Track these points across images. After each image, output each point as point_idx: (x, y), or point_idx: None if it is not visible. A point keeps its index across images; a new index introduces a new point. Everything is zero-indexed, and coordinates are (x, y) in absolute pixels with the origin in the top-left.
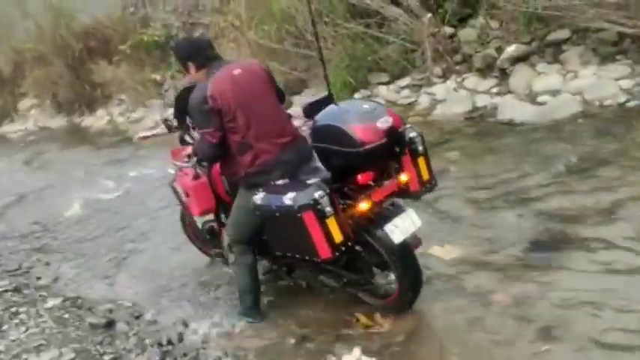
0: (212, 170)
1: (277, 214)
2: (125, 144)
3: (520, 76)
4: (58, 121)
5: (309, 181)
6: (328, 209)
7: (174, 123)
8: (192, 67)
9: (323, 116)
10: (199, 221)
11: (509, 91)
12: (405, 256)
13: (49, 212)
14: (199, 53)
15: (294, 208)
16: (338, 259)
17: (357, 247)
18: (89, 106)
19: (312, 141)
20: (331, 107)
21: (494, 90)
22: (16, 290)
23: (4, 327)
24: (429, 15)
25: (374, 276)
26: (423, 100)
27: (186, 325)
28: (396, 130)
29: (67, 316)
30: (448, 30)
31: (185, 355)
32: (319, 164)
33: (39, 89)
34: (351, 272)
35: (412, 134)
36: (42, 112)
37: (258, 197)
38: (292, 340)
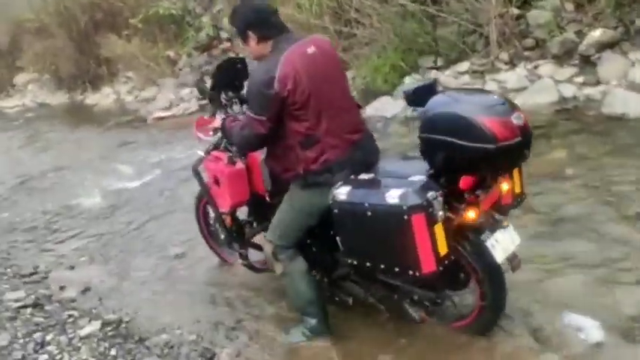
0: (250, 157)
1: (369, 214)
2: (137, 125)
3: (611, 64)
4: (59, 98)
5: (411, 178)
6: (440, 213)
7: (209, 88)
8: (252, 38)
9: (440, 104)
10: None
11: (599, 82)
12: (500, 277)
13: (62, 200)
14: (263, 21)
15: (403, 209)
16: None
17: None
18: (93, 83)
19: (423, 131)
20: (446, 95)
21: (578, 80)
22: (37, 306)
23: None
24: None
25: (450, 295)
26: (491, 88)
27: None
28: (529, 129)
29: (113, 352)
30: (514, 11)
31: None
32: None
33: (39, 63)
34: (424, 289)
35: None
36: (41, 87)
37: (342, 192)
38: None
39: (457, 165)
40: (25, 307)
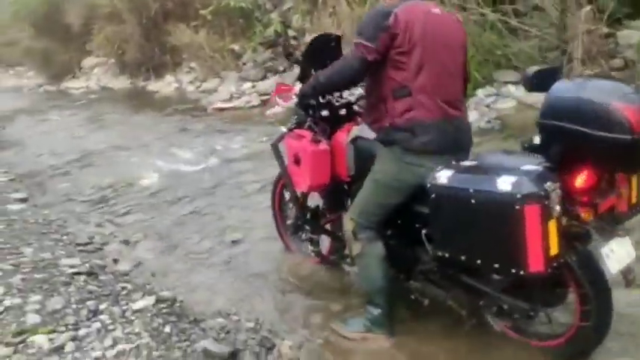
0: (334, 139)
1: (474, 202)
2: (197, 113)
3: None
4: (121, 82)
5: (524, 167)
6: (557, 208)
7: (295, 55)
8: None
9: (566, 89)
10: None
11: None
12: (609, 297)
13: (119, 177)
14: None
15: (516, 197)
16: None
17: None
18: (156, 71)
19: (544, 117)
20: (572, 81)
21: None
22: (91, 275)
23: (81, 331)
24: (588, 7)
25: (546, 308)
26: None
27: None
28: None
29: (167, 329)
30: (604, 29)
31: None
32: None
33: (107, 47)
34: (517, 298)
35: None
36: (106, 71)
37: (443, 175)
38: None
39: (579, 159)
40: (79, 274)
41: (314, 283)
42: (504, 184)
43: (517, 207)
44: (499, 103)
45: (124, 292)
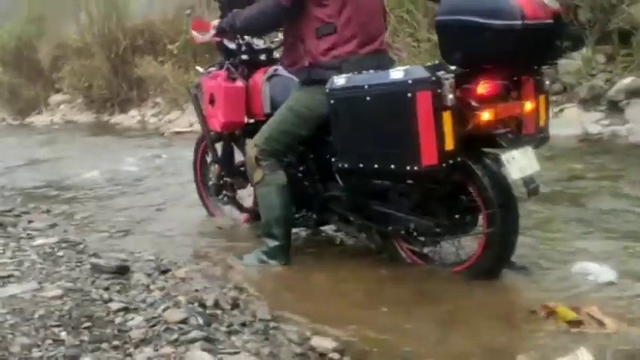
0: (252, 80)
1: (368, 99)
2: (154, 137)
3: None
4: (86, 117)
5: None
6: (450, 97)
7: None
8: None
9: None
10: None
11: (626, 124)
12: (513, 202)
13: (61, 175)
14: None
15: (407, 83)
16: (436, 176)
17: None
18: (121, 106)
19: (441, 14)
20: None
21: (605, 122)
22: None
23: None
24: None
25: (452, 226)
26: None
27: (240, 289)
28: (562, 17)
29: (60, 253)
30: None
31: (244, 325)
32: None
33: (74, 80)
34: (421, 216)
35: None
36: (72, 107)
37: (341, 77)
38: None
39: (475, 56)
40: None
41: (228, 239)
42: (397, 74)
43: (408, 94)
44: None
45: (28, 237)
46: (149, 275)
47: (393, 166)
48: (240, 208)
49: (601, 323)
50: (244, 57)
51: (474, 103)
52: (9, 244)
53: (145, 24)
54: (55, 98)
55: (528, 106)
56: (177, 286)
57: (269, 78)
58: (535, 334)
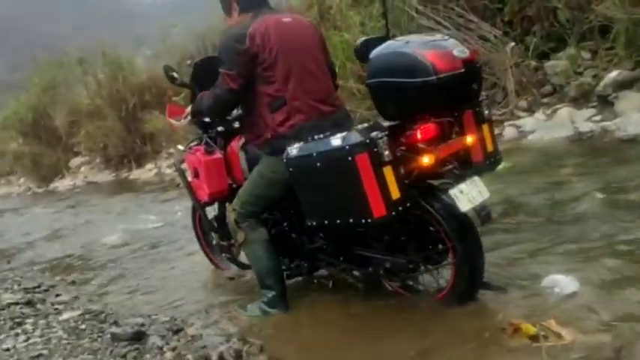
0: (229, 148)
1: (319, 164)
2: (170, 189)
3: (629, 100)
4: (105, 176)
5: (357, 128)
6: (386, 153)
7: (178, 76)
8: (235, 9)
9: (382, 49)
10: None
11: (616, 117)
12: (469, 231)
13: (83, 242)
14: None
15: (345, 149)
16: (383, 230)
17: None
18: (137, 161)
19: (369, 78)
20: (390, 41)
21: (596, 118)
22: (29, 304)
23: (0, 336)
24: (512, 44)
25: (423, 260)
26: (509, 133)
27: (244, 341)
28: (474, 62)
29: (83, 326)
30: (532, 63)
31: None
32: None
33: (90, 142)
34: (395, 255)
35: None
36: (91, 168)
37: (294, 148)
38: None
39: (406, 109)
40: (16, 304)
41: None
42: (336, 140)
43: (349, 158)
44: None
45: (55, 312)
46: (163, 337)
47: (351, 220)
48: (241, 265)
49: (559, 335)
50: (220, 128)
51: (416, 148)
52: (38, 323)
53: (150, 79)
54: (75, 161)
55: (469, 139)
56: (188, 345)
57: (242, 146)
58: (500, 352)
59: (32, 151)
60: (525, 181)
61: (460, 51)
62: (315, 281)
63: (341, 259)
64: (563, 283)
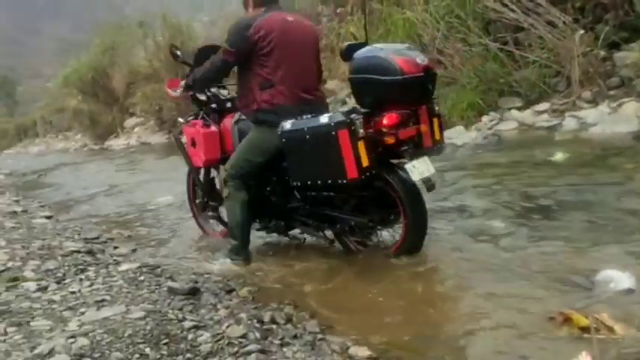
0: (221, 125)
1: (308, 137)
2: None
3: None
4: (158, 138)
5: (339, 110)
6: (361, 131)
7: (181, 54)
8: (250, 4)
9: (364, 51)
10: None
11: None
12: (418, 196)
13: (139, 200)
14: None
15: (331, 125)
16: (352, 190)
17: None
18: None
19: (351, 74)
20: (370, 47)
21: None
22: (89, 253)
23: (67, 280)
24: (581, 32)
25: (381, 220)
26: (569, 123)
27: (295, 306)
28: (432, 69)
29: (142, 278)
30: (601, 53)
31: (296, 337)
32: None
33: (146, 105)
34: (358, 215)
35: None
36: (145, 129)
37: (287, 123)
38: None
39: (378, 100)
40: (78, 252)
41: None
42: (324, 119)
43: (333, 132)
44: (501, 125)
45: (114, 262)
46: (216, 295)
47: (329, 181)
48: (222, 221)
49: (611, 329)
50: (214, 106)
51: (382, 131)
52: (100, 271)
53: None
54: (129, 122)
55: (422, 128)
56: (240, 305)
57: (237, 122)
58: (547, 339)
59: (90, 109)
60: (584, 173)
61: (421, 59)
62: (288, 239)
63: (313, 218)
64: (618, 278)
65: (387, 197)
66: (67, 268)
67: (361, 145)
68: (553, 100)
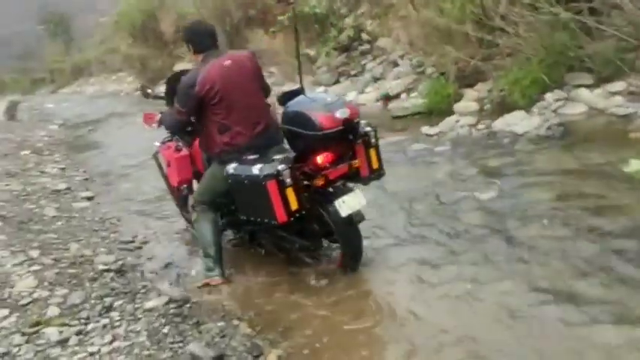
0: (194, 146)
1: (245, 182)
2: None
3: None
4: None
5: (274, 157)
6: (288, 180)
7: (151, 91)
8: (190, 49)
9: (294, 104)
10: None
11: None
12: (349, 228)
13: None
14: (198, 40)
15: (260, 177)
16: (292, 224)
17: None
18: None
19: (282, 123)
20: (301, 97)
21: None
22: (120, 272)
23: (90, 326)
24: None
25: (322, 244)
26: None
27: None
28: (352, 121)
29: (165, 330)
30: None
31: None
32: (287, 147)
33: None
34: (303, 239)
35: (367, 129)
36: None
37: (231, 167)
38: None
39: (305, 147)
40: (109, 270)
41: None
42: (256, 169)
43: (262, 183)
44: (568, 108)
45: (143, 291)
46: None
47: (265, 220)
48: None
49: None
50: (189, 129)
51: (312, 174)
52: (126, 308)
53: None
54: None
55: (356, 162)
56: None
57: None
58: None
59: (140, 53)
60: None
61: (342, 112)
62: (252, 250)
63: (268, 237)
64: None
65: (326, 225)
66: (92, 302)
67: (289, 191)
68: (629, 80)
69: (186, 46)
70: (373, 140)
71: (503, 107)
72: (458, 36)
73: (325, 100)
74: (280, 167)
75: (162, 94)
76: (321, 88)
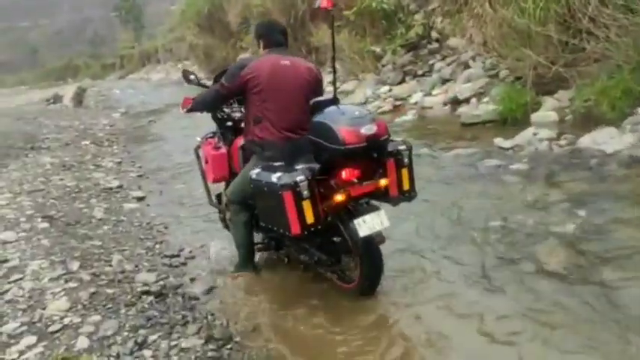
0: (233, 145)
1: (265, 189)
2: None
3: None
4: None
5: (297, 167)
6: (305, 193)
7: (194, 77)
8: (261, 44)
9: (322, 115)
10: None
11: None
12: (368, 248)
13: None
14: (269, 36)
15: (277, 186)
16: (313, 237)
17: (334, 236)
18: None
19: (309, 134)
20: (332, 107)
21: None
22: (160, 296)
23: None
24: None
25: (341, 261)
26: None
27: None
28: (378, 138)
29: None
30: None
31: None
32: (312, 158)
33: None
34: (322, 253)
35: (401, 147)
36: None
37: (254, 172)
38: None
39: (327, 160)
40: (148, 293)
41: None
42: (275, 178)
43: (280, 192)
44: None
45: (182, 322)
46: None
47: (281, 230)
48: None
49: None
50: (229, 124)
51: (334, 188)
52: (159, 347)
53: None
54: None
55: (383, 182)
56: None
57: (241, 147)
58: None
59: (205, 43)
60: None
61: (368, 128)
62: (275, 257)
63: (290, 245)
64: None
65: (347, 242)
66: (125, 335)
67: (306, 204)
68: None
69: (256, 42)
70: (406, 160)
71: (589, 119)
72: (538, 38)
73: (354, 113)
74: (299, 178)
75: (204, 81)
76: (386, 87)
